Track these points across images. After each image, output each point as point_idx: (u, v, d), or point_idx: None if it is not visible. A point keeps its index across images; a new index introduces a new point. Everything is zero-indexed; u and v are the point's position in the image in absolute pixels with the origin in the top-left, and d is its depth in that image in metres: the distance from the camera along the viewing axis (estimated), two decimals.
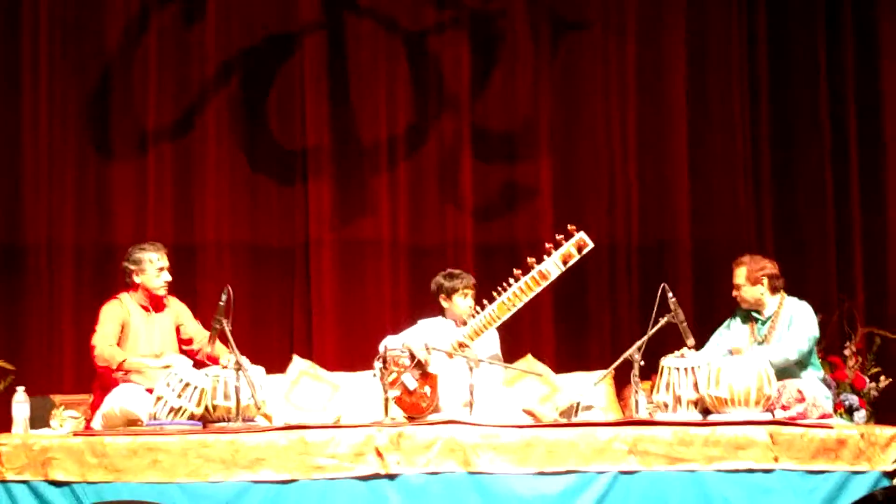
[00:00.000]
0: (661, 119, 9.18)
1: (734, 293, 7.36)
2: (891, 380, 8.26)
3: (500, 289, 7.15)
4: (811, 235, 8.95)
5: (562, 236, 7.16)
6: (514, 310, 7.17)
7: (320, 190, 8.95)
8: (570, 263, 7.18)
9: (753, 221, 9.04)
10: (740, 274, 7.34)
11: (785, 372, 7.07)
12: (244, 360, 6.80)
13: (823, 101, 9.10)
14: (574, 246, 7.15)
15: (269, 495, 6.37)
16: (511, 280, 7.16)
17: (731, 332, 7.42)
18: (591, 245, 7.16)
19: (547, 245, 7.16)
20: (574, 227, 7.16)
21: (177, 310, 7.50)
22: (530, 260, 7.15)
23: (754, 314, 7.35)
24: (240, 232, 8.95)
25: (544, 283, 7.17)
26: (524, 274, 7.15)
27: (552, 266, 7.14)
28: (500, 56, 9.13)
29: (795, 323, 7.20)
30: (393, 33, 9.06)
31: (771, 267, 7.32)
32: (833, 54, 9.15)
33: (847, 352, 8.22)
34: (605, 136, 9.14)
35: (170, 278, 7.35)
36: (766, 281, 7.29)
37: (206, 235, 8.90)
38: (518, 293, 7.14)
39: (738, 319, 7.45)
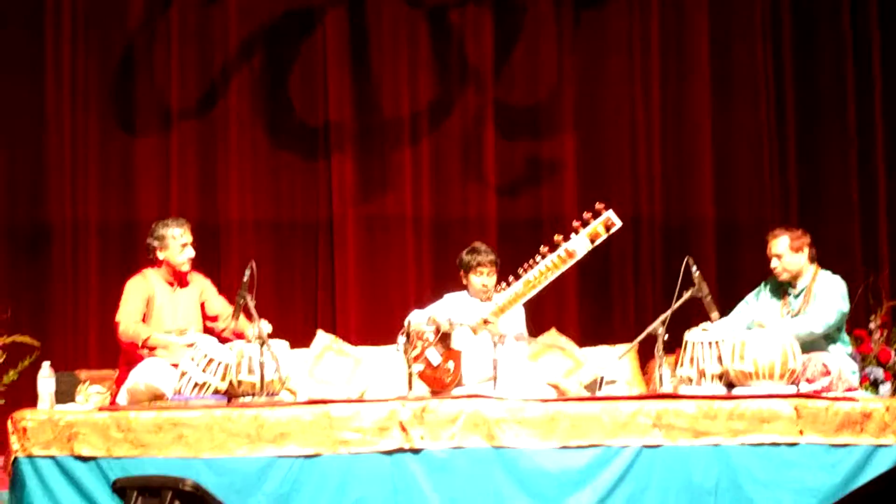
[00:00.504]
0: (685, 94, 9.15)
1: (773, 265, 7.30)
2: None
3: (526, 266, 7.14)
4: (836, 210, 8.91)
5: (589, 214, 7.12)
6: (539, 287, 7.15)
7: (343, 165, 8.95)
8: (598, 242, 7.15)
9: (778, 197, 9.00)
10: (781, 244, 7.29)
11: (811, 345, 7.05)
12: (267, 331, 6.81)
13: (849, 74, 9.05)
14: (602, 224, 7.11)
15: (294, 469, 6.40)
16: (538, 257, 7.14)
17: (760, 302, 7.39)
18: (618, 224, 7.13)
19: (574, 223, 7.13)
20: (602, 206, 7.12)
21: (201, 285, 7.51)
22: (557, 238, 7.13)
23: (787, 287, 7.32)
24: (263, 208, 8.97)
25: (571, 262, 7.14)
26: (551, 251, 7.13)
27: (579, 244, 7.11)
28: (523, 30, 9.10)
29: (825, 296, 7.17)
30: (415, 7, 9.05)
31: (808, 235, 7.30)
32: (859, 24, 9.08)
33: (872, 325, 8.19)
34: (629, 111, 9.11)
35: (193, 254, 7.37)
36: (807, 250, 7.27)
37: (230, 212, 8.92)
38: (544, 271, 7.12)
39: (768, 292, 7.41)
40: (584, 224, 7.13)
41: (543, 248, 7.12)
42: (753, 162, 9.08)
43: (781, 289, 7.37)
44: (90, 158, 8.91)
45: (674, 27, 9.20)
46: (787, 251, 7.27)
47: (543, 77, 9.10)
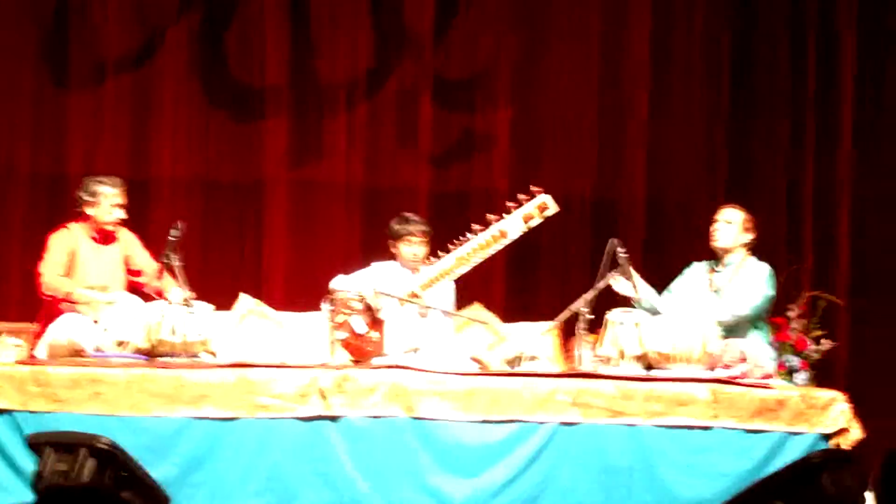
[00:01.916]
0: (623, 72, 9.17)
1: (716, 227, 7.35)
2: (834, 343, 8.33)
3: (456, 241, 7.14)
4: (763, 197, 8.97)
5: (525, 196, 7.14)
6: (469, 264, 7.15)
7: (277, 129, 8.91)
8: (531, 225, 7.17)
9: (706, 181, 9.06)
10: (737, 215, 7.34)
11: (731, 331, 7.12)
12: (191, 295, 6.79)
13: (784, 60, 9.10)
14: (536, 207, 7.12)
15: (211, 432, 6.38)
16: (469, 234, 7.14)
17: (686, 279, 7.46)
18: (554, 208, 7.14)
19: (509, 203, 7.14)
20: (539, 189, 7.14)
21: (126, 240, 7.46)
22: (490, 216, 7.14)
23: (714, 264, 7.39)
24: (194, 167, 8.91)
25: (503, 242, 7.15)
26: (483, 229, 7.14)
27: (512, 225, 7.12)
28: (464, 1, 9.08)
29: (753, 280, 7.24)
30: None
31: (756, 233, 7.38)
32: (798, 9, 9.13)
33: (791, 314, 8.27)
34: (565, 87, 9.12)
35: (124, 216, 7.31)
36: (751, 235, 7.35)
37: (161, 169, 8.85)
38: (476, 248, 7.12)
39: (694, 270, 7.47)
40: (519, 206, 7.14)
41: (476, 227, 7.13)
42: (686, 143, 9.13)
43: (707, 269, 7.43)
44: (23, 108, 8.81)
45: (615, 4, 9.21)
46: (738, 224, 7.34)
47: (481, 50, 9.10)
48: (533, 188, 7.15)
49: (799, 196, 9.05)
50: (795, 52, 9.11)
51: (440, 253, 7.18)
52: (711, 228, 7.40)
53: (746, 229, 7.36)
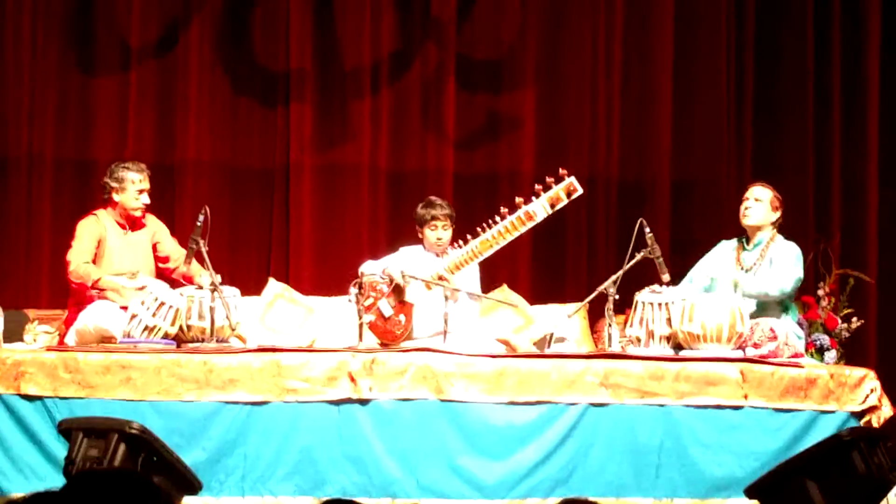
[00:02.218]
0: (647, 54, 9.13)
1: (746, 205, 7.34)
2: (862, 321, 8.31)
3: (484, 225, 7.14)
4: (790, 176, 8.92)
5: (552, 179, 7.14)
6: (496, 247, 7.16)
7: (302, 113, 8.90)
8: (558, 207, 7.17)
9: (734, 161, 9.03)
10: (765, 192, 7.33)
11: (759, 310, 7.10)
12: (219, 281, 6.81)
13: (810, 41, 9.05)
14: (563, 190, 7.13)
15: (241, 416, 6.40)
16: (496, 217, 7.14)
17: (714, 256, 7.44)
18: (580, 190, 7.15)
19: (536, 186, 7.14)
20: (565, 171, 7.14)
21: (154, 228, 7.48)
22: (517, 199, 7.14)
23: (744, 242, 7.37)
24: (220, 152, 8.91)
25: (529, 224, 7.16)
26: (510, 212, 7.15)
27: (539, 208, 7.13)
28: None
29: (782, 261, 7.21)
30: None
31: (782, 209, 7.37)
32: None
33: (820, 292, 8.26)
34: (590, 68, 9.08)
35: (148, 201, 7.34)
36: (780, 213, 7.33)
37: (187, 154, 8.85)
38: (503, 231, 7.13)
39: (722, 247, 7.46)
40: (546, 188, 7.14)
41: (503, 209, 7.14)
42: (711, 123, 9.08)
43: (736, 247, 7.41)
44: (48, 95, 8.82)
45: None
46: (767, 202, 7.32)
47: (506, 31, 9.07)
48: (560, 171, 7.15)
49: (827, 174, 9.00)
50: (821, 29, 9.05)
51: (468, 236, 7.18)
52: (741, 207, 7.38)
53: (775, 207, 7.34)
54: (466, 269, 7.22)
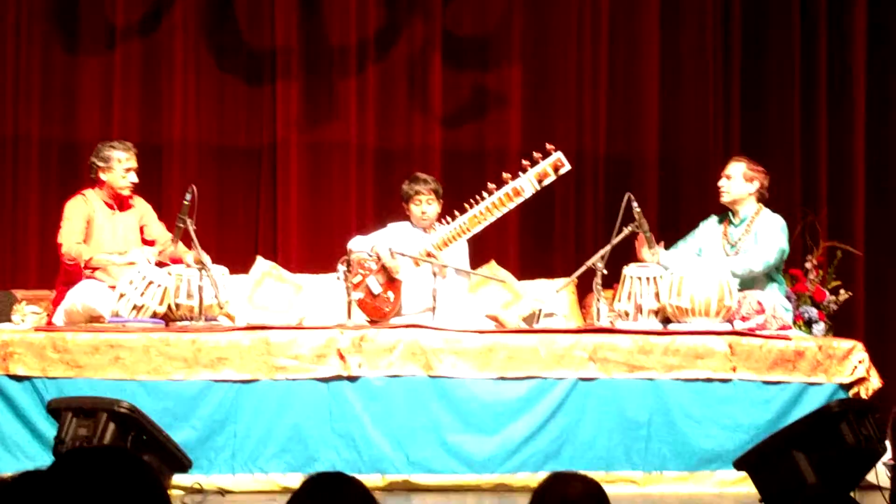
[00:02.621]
0: (634, 29, 9.11)
1: (720, 184, 7.35)
2: (850, 293, 8.32)
3: (472, 201, 7.14)
4: (777, 149, 8.93)
5: (539, 154, 7.13)
6: (484, 224, 7.16)
7: (288, 91, 8.86)
8: (546, 183, 7.17)
9: (721, 135, 9.03)
10: (736, 167, 7.33)
11: (747, 283, 7.11)
12: (207, 259, 6.80)
13: (797, 15, 9.04)
14: (550, 165, 7.13)
15: (230, 394, 6.42)
16: (484, 193, 7.14)
17: (701, 231, 7.44)
18: (567, 166, 7.15)
19: (523, 162, 7.14)
20: (552, 147, 7.14)
21: (142, 210, 7.47)
22: (505, 175, 7.14)
23: (730, 217, 7.37)
24: (206, 131, 8.87)
25: (517, 200, 7.16)
26: (498, 188, 7.14)
27: (527, 184, 7.13)
28: None
29: (766, 234, 7.22)
30: None
31: (766, 176, 7.35)
32: None
33: (808, 265, 8.27)
34: (576, 43, 9.05)
35: (136, 180, 7.32)
36: (757, 184, 7.32)
37: (173, 133, 8.81)
38: (490, 207, 7.13)
39: (710, 223, 7.46)
40: (533, 164, 7.13)
41: (490, 185, 7.13)
42: (698, 98, 9.06)
43: (722, 222, 7.42)
44: (33, 77, 8.77)
45: None
46: (738, 175, 7.31)
47: (492, 7, 9.04)
48: (548, 146, 7.14)
49: (814, 147, 9.00)
50: (808, 6, 9.04)
51: (455, 212, 7.18)
52: (719, 185, 7.39)
53: (749, 178, 7.32)
54: (455, 245, 7.21)
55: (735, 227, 7.34)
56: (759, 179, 7.32)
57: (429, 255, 7.13)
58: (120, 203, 7.34)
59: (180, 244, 7.13)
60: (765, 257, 7.14)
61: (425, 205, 7.32)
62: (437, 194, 7.35)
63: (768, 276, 7.23)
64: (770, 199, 7.50)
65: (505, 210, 7.18)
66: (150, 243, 7.41)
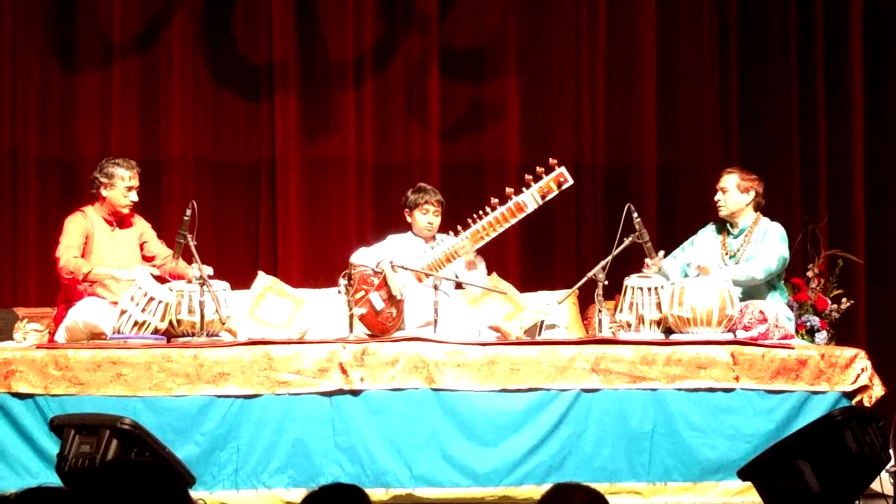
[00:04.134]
0: (630, 39, 9.11)
1: (716, 198, 7.35)
2: (852, 302, 8.32)
3: (475, 216, 7.16)
4: (777, 158, 8.95)
5: (542, 169, 7.15)
6: (487, 239, 7.20)
7: (286, 106, 8.87)
8: (549, 198, 7.19)
9: (720, 144, 9.03)
10: (730, 180, 7.33)
11: (749, 292, 7.11)
12: (208, 273, 6.80)
13: (793, 23, 9.05)
14: (553, 181, 7.15)
15: (233, 410, 6.41)
16: (487, 208, 7.16)
17: (696, 248, 7.44)
18: (570, 181, 7.18)
19: (526, 177, 7.16)
20: (556, 162, 7.16)
21: (142, 228, 7.47)
22: (508, 190, 7.16)
23: (728, 228, 7.37)
24: (204, 147, 8.88)
25: (520, 216, 7.19)
26: (501, 204, 7.16)
27: (530, 199, 7.15)
28: None
29: (767, 243, 7.22)
30: None
31: (760, 184, 7.36)
32: None
33: (810, 273, 8.27)
34: (573, 54, 9.07)
35: (136, 199, 7.32)
36: (753, 194, 7.32)
37: (171, 149, 8.82)
38: (493, 223, 7.15)
39: (708, 233, 7.45)
40: (536, 179, 7.15)
41: (493, 200, 7.15)
42: (696, 107, 9.07)
43: (723, 229, 7.41)
44: (31, 92, 8.78)
45: None
46: (733, 188, 7.31)
47: (488, 20, 9.05)
48: (551, 161, 7.15)
49: (813, 156, 9.01)
50: (804, 13, 9.05)
51: (458, 227, 7.19)
52: (715, 200, 7.39)
53: (745, 189, 7.32)
54: (458, 260, 7.23)
55: (734, 237, 7.34)
56: (754, 188, 7.33)
57: (431, 268, 7.13)
58: (119, 220, 7.34)
59: (180, 262, 7.14)
60: (766, 264, 7.14)
61: (432, 215, 7.37)
62: (441, 206, 7.40)
63: (769, 285, 7.22)
64: (770, 207, 7.50)
65: (508, 225, 7.21)
66: (150, 259, 7.41)
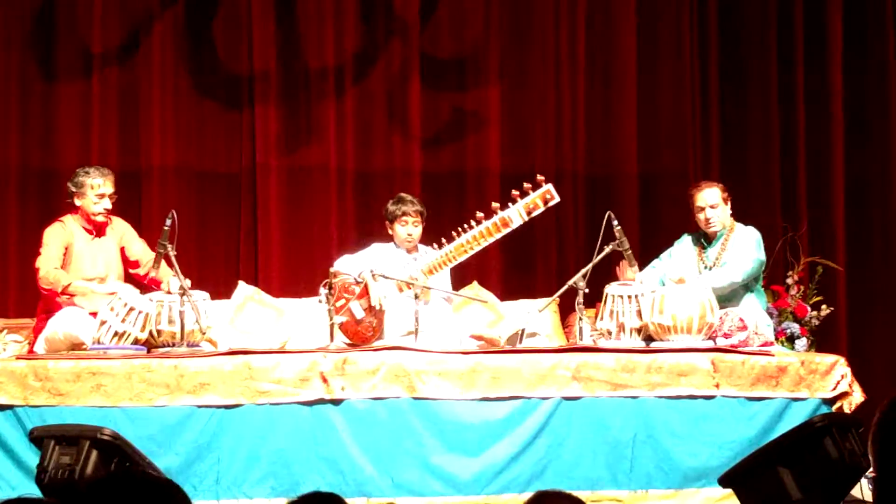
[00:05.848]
0: (611, 48, 9.14)
1: (707, 216, 7.33)
2: (832, 309, 8.35)
3: (459, 230, 7.16)
4: (756, 165, 8.97)
5: (529, 185, 7.15)
6: (470, 253, 7.20)
7: (267, 115, 8.86)
8: (535, 214, 7.20)
9: (700, 152, 9.05)
10: (713, 195, 7.33)
11: (728, 300, 7.13)
12: (187, 285, 6.78)
13: (773, 26, 9.07)
14: (540, 197, 7.16)
15: (213, 420, 6.39)
16: (472, 222, 7.16)
17: (673, 259, 7.46)
18: (557, 198, 7.19)
19: (513, 192, 7.16)
20: (542, 178, 7.17)
21: (121, 231, 7.44)
22: (494, 205, 7.16)
23: (702, 240, 7.39)
24: (185, 156, 8.86)
25: (505, 231, 7.19)
26: (486, 218, 7.16)
27: (515, 215, 7.15)
28: None
29: (743, 246, 7.24)
30: None
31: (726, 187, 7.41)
32: None
33: (790, 280, 8.29)
34: (554, 64, 9.08)
35: (110, 206, 7.28)
36: (729, 200, 7.36)
37: (152, 159, 8.80)
38: (478, 237, 7.15)
39: (682, 246, 7.47)
40: (523, 195, 7.15)
41: (479, 214, 7.15)
42: (677, 115, 9.10)
43: (697, 244, 7.43)
44: (10, 102, 8.75)
45: None
46: (720, 202, 7.33)
47: (469, 29, 9.06)
48: (538, 177, 7.16)
49: (793, 162, 9.03)
50: (783, 18, 9.08)
51: (443, 240, 7.19)
52: (700, 217, 7.37)
53: (726, 200, 7.37)
54: (441, 273, 7.24)
55: (711, 248, 7.35)
56: (728, 196, 7.37)
57: (413, 279, 7.12)
58: (97, 228, 7.32)
59: (162, 269, 7.12)
60: (744, 267, 7.17)
61: (411, 226, 7.36)
62: (422, 216, 7.39)
63: (746, 288, 7.24)
64: (750, 214, 7.52)
65: (492, 240, 7.22)
66: (135, 265, 7.40)
